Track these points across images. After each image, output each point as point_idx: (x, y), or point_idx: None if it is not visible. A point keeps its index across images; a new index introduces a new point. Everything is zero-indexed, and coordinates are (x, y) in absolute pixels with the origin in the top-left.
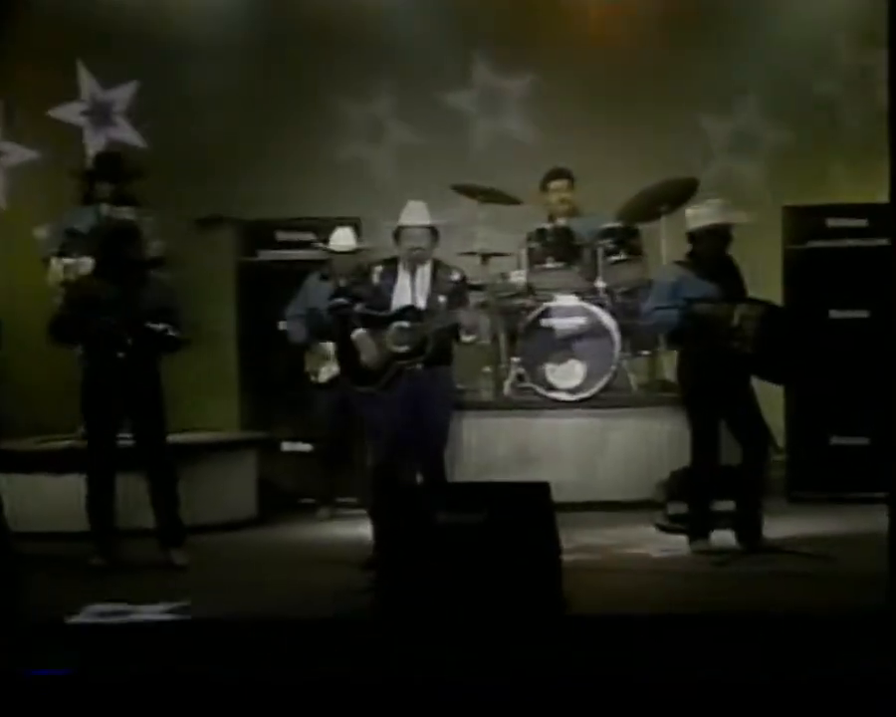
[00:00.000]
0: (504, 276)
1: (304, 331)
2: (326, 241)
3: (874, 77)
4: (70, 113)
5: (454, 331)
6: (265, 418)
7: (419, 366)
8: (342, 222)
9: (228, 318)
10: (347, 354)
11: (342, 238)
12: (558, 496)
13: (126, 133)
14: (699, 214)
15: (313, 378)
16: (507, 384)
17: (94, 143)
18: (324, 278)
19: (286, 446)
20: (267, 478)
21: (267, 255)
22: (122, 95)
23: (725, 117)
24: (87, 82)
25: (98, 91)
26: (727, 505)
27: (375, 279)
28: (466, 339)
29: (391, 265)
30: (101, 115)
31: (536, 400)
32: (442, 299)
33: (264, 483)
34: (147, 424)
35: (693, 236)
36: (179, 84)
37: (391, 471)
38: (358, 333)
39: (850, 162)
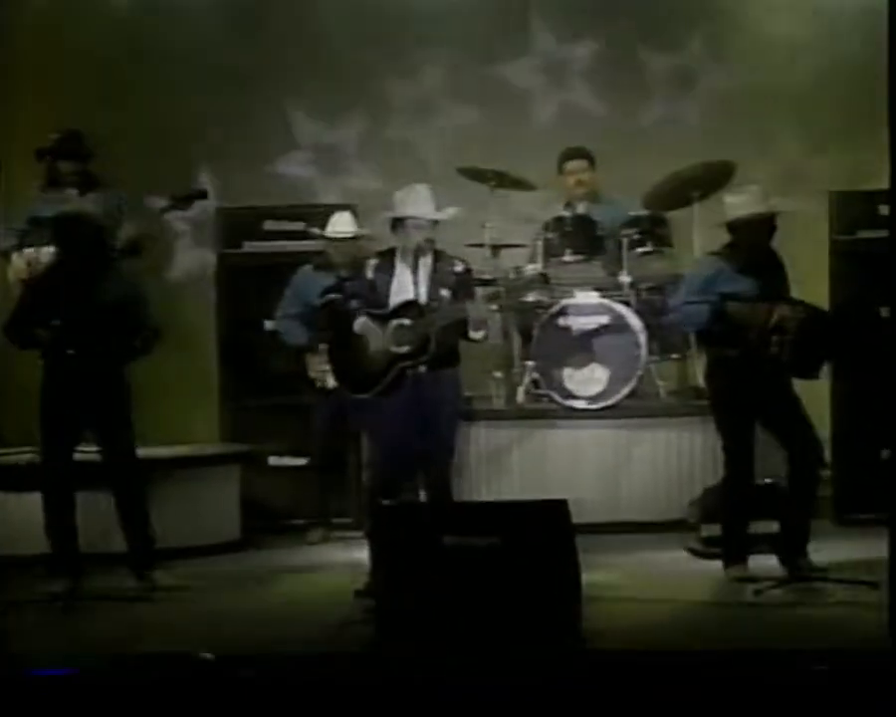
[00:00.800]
0: (517, 269)
1: (302, 331)
2: (322, 227)
3: None
4: None
5: (461, 327)
6: (249, 429)
7: (422, 369)
8: (339, 208)
9: (208, 316)
10: (342, 354)
11: (341, 223)
12: (577, 516)
13: None
14: (739, 202)
15: (318, 384)
16: (520, 391)
17: None
18: (318, 269)
19: (273, 461)
20: (252, 496)
21: (253, 246)
22: None
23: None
24: None
25: None
26: (767, 526)
27: (369, 273)
28: (475, 335)
29: (387, 257)
30: None
31: (552, 409)
32: (445, 292)
33: (248, 502)
34: (113, 435)
35: (732, 226)
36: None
37: (391, 488)
38: (362, 322)
39: None
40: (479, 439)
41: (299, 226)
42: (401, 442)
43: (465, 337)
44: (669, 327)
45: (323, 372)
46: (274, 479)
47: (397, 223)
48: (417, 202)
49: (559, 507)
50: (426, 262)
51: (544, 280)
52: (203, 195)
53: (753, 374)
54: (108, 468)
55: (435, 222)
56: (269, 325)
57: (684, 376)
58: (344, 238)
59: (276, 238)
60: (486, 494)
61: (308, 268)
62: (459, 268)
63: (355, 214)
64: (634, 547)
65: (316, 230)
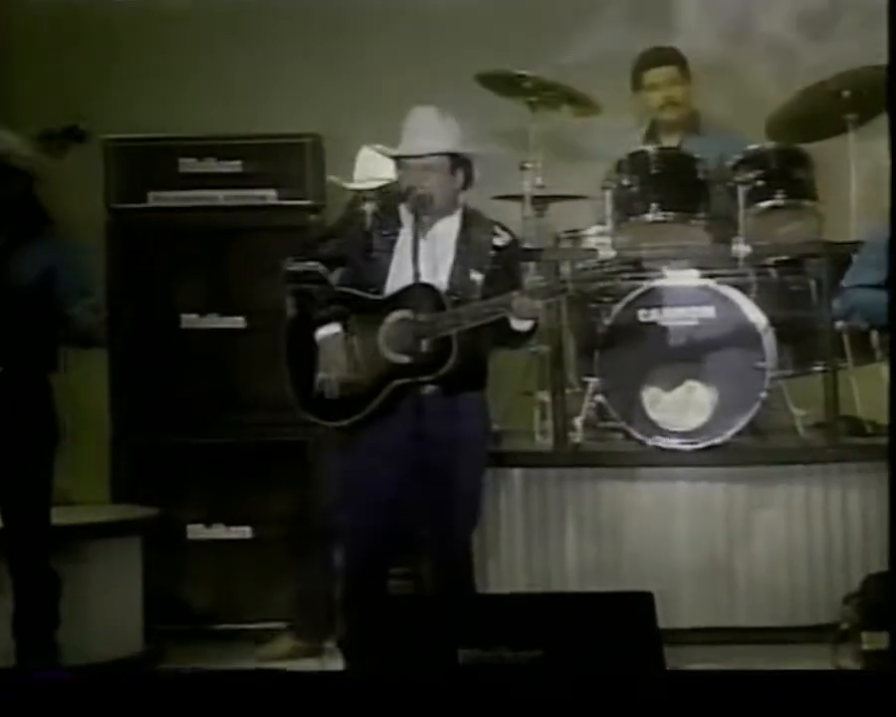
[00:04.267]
0: (573, 236)
1: None
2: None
3: None
4: None
5: (498, 330)
6: (159, 483)
7: (431, 390)
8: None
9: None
10: (305, 363)
11: (371, 163)
12: (667, 618)
13: None
14: None
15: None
16: (577, 424)
17: None
18: None
19: (195, 532)
20: (163, 586)
21: (163, 200)
22: None
23: None
24: None
25: None
26: None
27: (365, 226)
28: (519, 324)
29: (391, 206)
30: None
31: (627, 451)
32: (477, 276)
33: (157, 595)
34: (18, 487)
35: None
36: None
37: (376, 573)
38: (325, 333)
39: None
40: (513, 497)
41: (233, 167)
42: (394, 500)
43: (505, 342)
44: (818, 323)
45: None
46: (198, 559)
47: (398, 164)
48: (421, 133)
49: (638, 605)
50: (448, 227)
51: (635, 266)
52: (77, 136)
53: None
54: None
55: (457, 161)
56: (190, 320)
57: (834, 401)
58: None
59: (199, 185)
60: (526, 584)
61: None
62: (501, 239)
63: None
64: (756, 666)
65: (334, 178)
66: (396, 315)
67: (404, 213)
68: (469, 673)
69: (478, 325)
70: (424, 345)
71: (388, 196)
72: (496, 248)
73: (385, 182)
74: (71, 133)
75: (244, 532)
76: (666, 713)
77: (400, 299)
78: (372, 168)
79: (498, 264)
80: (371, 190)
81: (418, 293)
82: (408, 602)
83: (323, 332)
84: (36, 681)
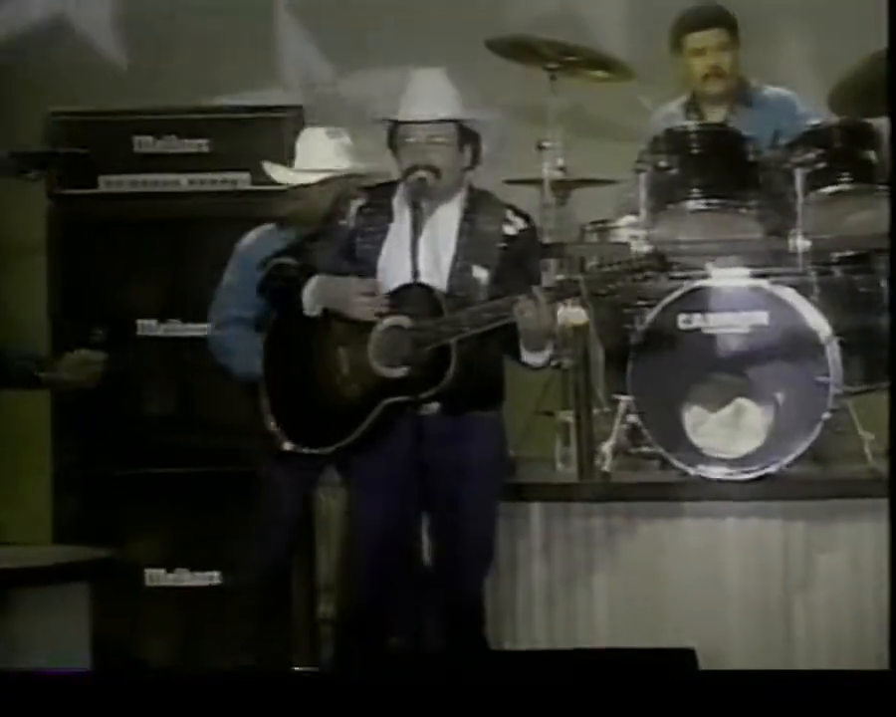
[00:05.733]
0: (601, 228)
1: (257, 349)
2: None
3: None
4: None
5: (509, 339)
6: (110, 522)
7: (431, 409)
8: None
9: (35, 313)
10: (286, 373)
11: (318, 149)
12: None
13: None
14: None
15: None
16: (607, 450)
17: None
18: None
19: (155, 577)
20: (114, 640)
21: (116, 185)
22: None
23: None
24: None
25: None
26: None
27: (352, 221)
28: (532, 358)
29: (384, 198)
30: None
31: (667, 482)
32: (483, 273)
33: (108, 651)
34: None
35: None
36: None
37: (369, 626)
38: (313, 283)
39: None
40: (532, 536)
41: (198, 146)
42: (389, 541)
43: (517, 357)
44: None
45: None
46: (158, 610)
47: (396, 136)
48: (426, 98)
49: (680, 662)
50: (448, 213)
51: (659, 263)
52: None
53: None
54: None
55: (465, 134)
56: (147, 327)
57: None
58: (322, 180)
59: (158, 168)
60: (545, 638)
61: (266, 230)
62: (513, 227)
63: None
64: None
65: (268, 165)
66: (386, 322)
67: (397, 205)
68: None
69: (483, 330)
70: (421, 356)
71: (378, 189)
72: (507, 238)
73: (334, 173)
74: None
75: (211, 577)
76: None
77: (394, 302)
78: (318, 155)
79: (509, 257)
80: (323, 183)
81: (413, 295)
82: (410, 660)
83: (309, 287)
84: (36, 681)
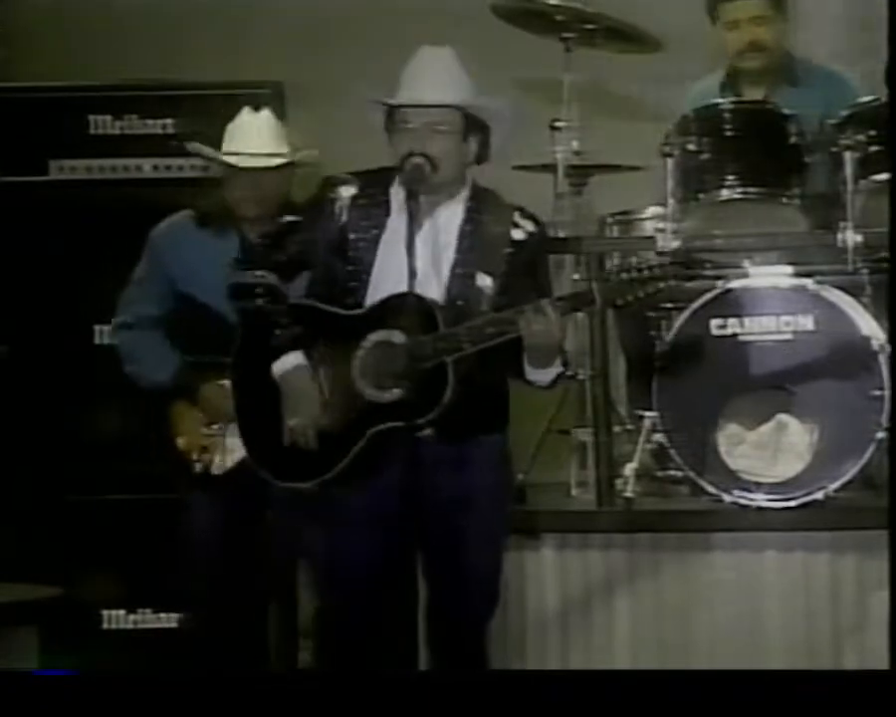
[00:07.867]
0: (624, 220)
1: (168, 353)
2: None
3: None
4: None
5: (512, 358)
6: (61, 555)
7: (427, 434)
8: (248, 95)
9: None
10: (258, 406)
11: (257, 135)
12: None
13: None
14: None
15: (197, 467)
16: (629, 473)
17: None
18: (205, 223)
19: (114, 619)
20: None
21: (68, 170)
22: None
23: None
24: None
25: None
26: None
27: (342, 216)
28: (538, 376)
29: (377, 190)
30: None
31: (698, 510)
32: (486, 281)
33: None
34: None
35: None
36: None
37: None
38: (287, 365)
39: None
40: (544, 572)
41: (163, 127)
42: (380, 583)
43: (518, 374)
44: None
45: (208, 441)
46: (116, 655)
47: (393, 121)
48: (429, 79)
49: None
50: (449, 211)
51: (688, 269)
52: None
53: None
54: None
55: (471, 123)
56: (105, 333)
57: None
58: (264, 167)
59: (116, 151)
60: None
61: (182, 219)
62: (522, 231)
63: (279, 113)
64: None
65: (204, 149)
66: (374, 337)
67: (395, 198)
68: None
69: (486, 346)
70: (416, 376)
71: (372, 176)
72: (514, 243)
73: (269, 161)
74: None
75: (174, 620)
76: None
77: (383, 314)
78: (249, 139)
79: (516, 264)
80: (258, 172)
81: (407, 305)
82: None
83: (282, 363)
84: (36, 681)
